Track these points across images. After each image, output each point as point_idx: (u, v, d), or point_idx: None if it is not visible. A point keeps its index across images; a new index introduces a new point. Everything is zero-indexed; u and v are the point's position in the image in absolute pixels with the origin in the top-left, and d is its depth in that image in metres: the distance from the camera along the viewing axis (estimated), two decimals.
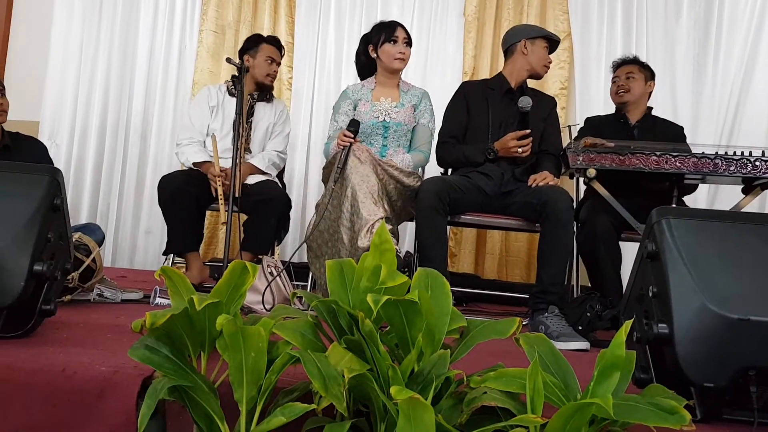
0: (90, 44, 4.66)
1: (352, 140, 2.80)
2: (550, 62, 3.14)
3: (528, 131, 2.91)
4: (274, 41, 3.53)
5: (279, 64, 3.52)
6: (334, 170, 2.77)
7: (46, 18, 4.69)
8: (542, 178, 2.86)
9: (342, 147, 2.79)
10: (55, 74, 4.65)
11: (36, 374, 1.40)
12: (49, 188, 1.68)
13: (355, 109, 3.16)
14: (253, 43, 3.49)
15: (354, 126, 2.88)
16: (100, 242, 3.17)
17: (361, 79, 3.27)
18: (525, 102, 2.89)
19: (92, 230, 3.20)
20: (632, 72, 3.36)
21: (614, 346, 1.14)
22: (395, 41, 3.09)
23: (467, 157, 3.03)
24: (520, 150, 2.91)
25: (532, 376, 1.12)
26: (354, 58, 3.30)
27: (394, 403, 1.10)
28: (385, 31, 3.10)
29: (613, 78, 3.45)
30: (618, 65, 3.46)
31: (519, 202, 2.88)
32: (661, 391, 1.20)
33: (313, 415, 1.24)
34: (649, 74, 3.40)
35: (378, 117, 3.09)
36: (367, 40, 3.19)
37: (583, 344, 2.37)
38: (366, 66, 3.24)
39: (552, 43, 3.15)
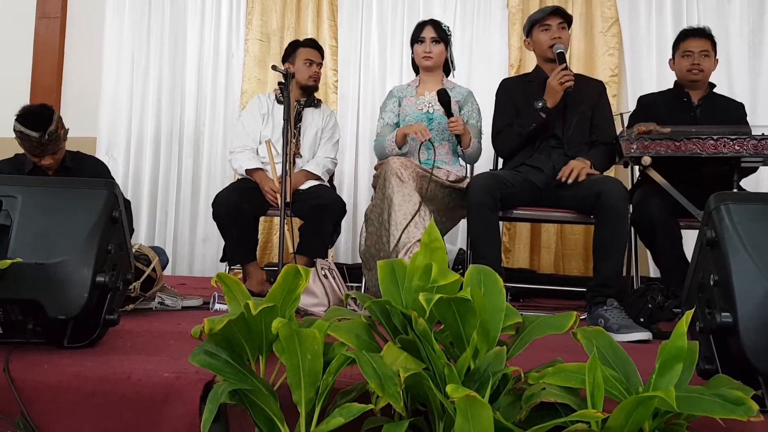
0: (141, 59, 4.78)
1: (429, 136, 2.95)
2: (554, 38, 2.99)
3: (566, 64, 2.89)
4: (310, 43, 3.58)
5: (320, 64, 3.56)
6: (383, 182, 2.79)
7: (97, 36, 4.82)
8: (569, 172, 2.79)
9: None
10: (109, 90, 4.78)
11: (103, 382, 1.45)
12: (107, 201, 1.74)
13: (400, 106, 3.23)
14: (291, 49, 3.55)
15: (444, 96, 2.96)
16: (164, 265, 3.25)
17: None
18: (557, 47, 2.94)
19: (158, 254, 3.29)
20: (707, 50, 3.15)
21: (675, 337, 1.11)
22: (422, 41, 3.17)
23: (521, 126, 2.96)
24: (564, 83, 2.84)
25: (592, 371, 1.10)
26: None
27: (451, 402, 1.10)
28: (415, 31, 3.22)
29: (684, 51, 3.16)
30: (689, 35, 3.20)
31: (571, 194, 2.82)
32: (726, 381, 1.17)
33: (371, 415, 1.25)
34: (715, 50, 3.21)
35: (422, 109, 3.15)
36: (411, 41, 3.30)
37: (645, 335, 2.32)
38: (413, 63, 3.32)
39: (555, 15, 3.02)
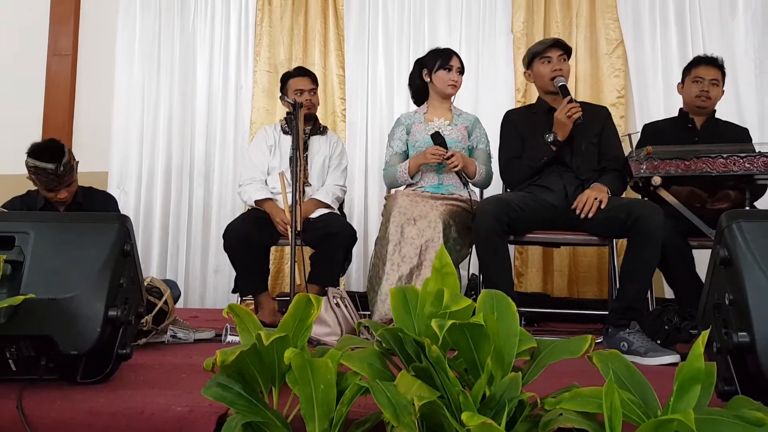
0: (151, 92, 4.84)
1: (444, 153, 2.97)
2: (555, 69, 3.01)
3: (570, 96, 2.91)
4: (299, 72, 3.62)
5: (312, 90, 3.57)
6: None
7: (108, 71, 4.88)
8: (583, 202, 2.78)
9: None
10: (120, 124, 4.83)
11: (116, 418, 1.44)
12: (119, 235, 1.75)
13: (408, 134, 3.23)
14: (283, 82, 3.60)
15: (438, 139, 3.00)
16: (177, 298, 3.25)
17: (415, 101, 3.35)
18: (558, 80, 2.97)
19: (170, 287, 3.29)
20: (717, 79, 3.22)
21: (692, 358, 1.10)
22: (450, 69, 3.16)
23: (532, 159, 2.97)
24: (572, 116, 2.85)
25: (609, 395, 1.08)
26: (408, 82, 3.37)
27: (467, 430, 1.08)
28: (441, 58, 3.18)
29: (695, 77, 3.23)
30: (702, 62, 3.26)
31: (603, 216, 2.77)
32: (746, 402, 1.14)
33: None
34: (724, 81, 3.28)
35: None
36: (421, 65, 3.26)
37: (674, 357, 2.31)
38: (420, 89, 3.29)
39: (556, 47, 3.04)
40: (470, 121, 3.26)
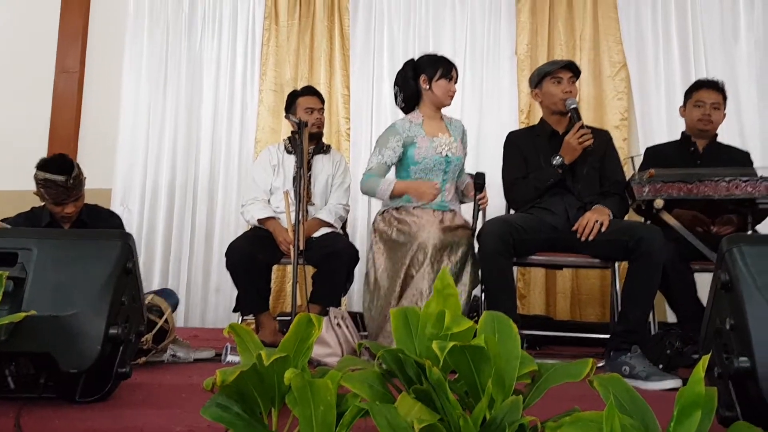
0: (157, 110, 4.87)
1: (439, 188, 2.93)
2: (566, 91, 3.01)
3: (581, 122, 2.91)
4: (308, 91, 3.62)
5: (321, 110, 3.58)
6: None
7: (115, 89, 4.91)
8: (584, 225, 2.78)
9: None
10: (125, 141, 4.85)
11: None
12: (122, 253, 1.75)
13: (404, 146, 3.03)
14: (291, 100, 3.59)
15: (480, 179, 2.98)
16: (175, 306, 3.26)
17: (405, 107, 3.16)
18: (571, 102, 2.96)
19: (167, 295, 3.29)
20: (719, 102, 3.24)
21: (693, 383, 1.09)
22: (451, 79, 3.06)
23: (539, 180, 2.96)
24: (583, 142, 2.87)
25: (609, 419, 1.07)
26: (397, 83, 3.16)
27: None
28: (443, 67, 3.05)
29: (697, 101, 3.25)
30: (703, 86, 3.28)
31: (605, 238, 2.76)
32: (747, 428, 1.14)
33: None
34: (725, 104, 3.29)
35: (441, 153, 3.02)
36: (418, 69, 3.10)
37: (676, 382, 2.30)
38: (414, 95, 3.11)
39: (567, 69, 3.04)
40: (460, 131, 3.19)
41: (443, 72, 3.05)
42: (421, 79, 3.07)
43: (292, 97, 3.60)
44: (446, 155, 3.03)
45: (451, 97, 3.11)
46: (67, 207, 3.05)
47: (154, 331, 2.47)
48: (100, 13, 5.16)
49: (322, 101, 3.64)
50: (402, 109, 3.19)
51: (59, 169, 3.01)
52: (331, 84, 4.69)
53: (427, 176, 3.03)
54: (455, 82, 3.11)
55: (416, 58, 3.17)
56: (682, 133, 3.36)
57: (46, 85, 5.05)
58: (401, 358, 1.31)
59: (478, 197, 2.95)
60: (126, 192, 4.81)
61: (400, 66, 4.37)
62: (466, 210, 3.19)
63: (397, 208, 3.00)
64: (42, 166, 3.03)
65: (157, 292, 3.18)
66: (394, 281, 2.78)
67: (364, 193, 3.16)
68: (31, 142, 4.86)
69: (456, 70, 3.13)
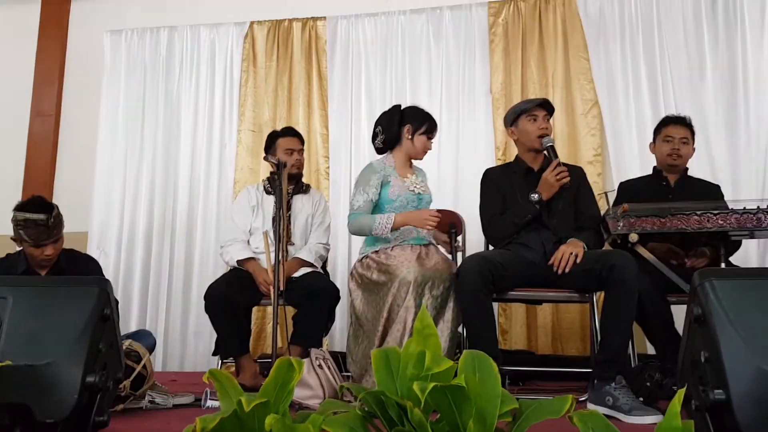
0: (134, 152, 4.87)
1: (439, 217, 2.95)
2: (542, 128, 3.07)
3: (558, 160, 2.98)
4: (288, 132, 3.64)
5: (301, 150, 3.60)
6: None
7: (91, 131, 4.91)
8: (559, 258, 2.81)
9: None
10: (102, 184, 4.84)
11: None
12: (99, 300, 1.74)
13: (382, 185, 3.08)
14: (270, 140, 3.61)
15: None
16: (152, 348, 3.22)
17: (381, 148, 3.21)
18: (547, 140, 3.02)
19: (143, 336, 3.25)
20: (687, 137, 3.32)
21: (669, 416, 1.11)
22: (431, 138, 3.16)
23: (516, 216, 2.99)
24: (561, 179, 2.93)
25: None
26: (380, 123, 3.21)
27: None
28: (429, 123, 3.14)
29: (665, 137, 3.33)
30: (671, 122, 3.37)
31: (580, 268, 2.80)
32: None
33: None
34: (693, 138, 3.37)
35: (414, 190, 3.11)
36: (404, 118, 3.16)
37: (657, 418, 2.30)
38: (395, 139, 3.16)
39: (542, 107, 3.10)
40: (423, 175, 3.28)
41: (428, 128, 3.14)
42: (406, 128, 3.14)
43: (272, 138, 3.61)
44: (418, 192, 3.13)
45: (425, 153, 3.19)
46: (47, 249, 3.00)
47: (131, 378, 2.44)
48: (76, 55, 5.19)
49: (302, 142, 3.66)
50: (378, 149, 3.23)
51: (39, 208, 2.98)
52: (309, 124, 4.73)
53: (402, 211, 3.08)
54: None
55: (404, 106, 3.25)
56: (654, 167, 3.43)
57: (21, 129, 5.04)
58: (383, 399, 1.31)
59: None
60: (102, 235, 4.79)
61: (378, 105, 4.44)
62: None
63: (376, 251, 3.02)
64: (20, 207, 3.00)
65: (131, 335, 3.15)
66: (377, 321, 2.78)
67: (354, 232, 3.15)
68: (5, 186, 4.84)
69: (437, 130, 3.21)
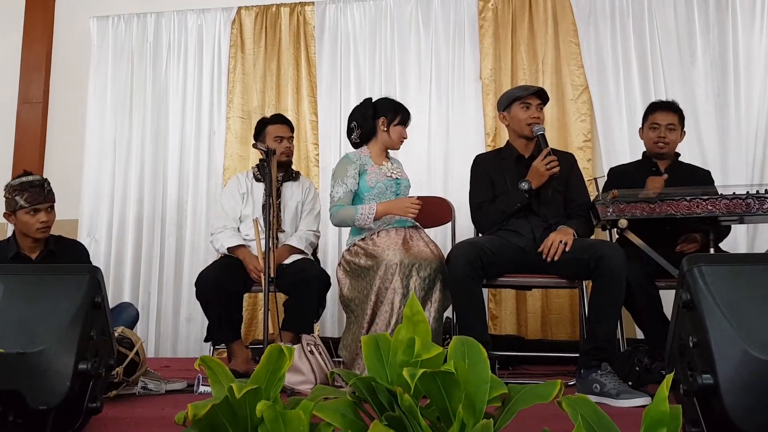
0: (123, 140, 4.85)
1: (420, 204, 2.97)
2: (534, 117, 3.08)
3: (549, 149, 2.98)
4: (278, 119, 3.62)
5: (290, 138, 3.60)
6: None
7: (80, 119, 4.89)
8: (548, 246, 2.83)
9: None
10: (91, 172, 4.82)
11: None
12: (90, 287, 1.74)
13: (359, 174, 3.13)
14: (260, 127, 3.59)
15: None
16: (135, 319, 3.31)
17: (357, 141, 3.24)
18: (538, 129, 3.03)
19: (124, 308, 3.30)
20: (673, 123, 3.30)
21: (658, 401, 1.12)
22: (405, 125, 3.22)
23: (505, 204, 3.01)
24: (550, 168, 2.93)
25: None
26: (353, 118, 3.25)
27: None
28: (402, 114, 3.21)
29: (652, 123, 3.32)
30: (657, 108, 3.35)
31: (568, 257, 2.81)
32: None
33: None
34: (682, 123, 3.36)
35: (391, 176, 3.15)
36: (378, 110, 3.20)
37: (646, 399, 2.34)
38: (370, 132, 3.20)
39: (536, 96, 3.11)
40: (398, 162, 3.33)
41: (402, 118, 3.21)
42: (380, 121, 3.19)
43: (261, 125, 3.60)
44: (396, 178, 3.17)
45: (401, 143, 3.24)
46: (41, 215, 3.03)
47: (124, 364, 2.44)
48: (63, 43, 5.14)
49: (292, 129, 3.65)
50: (354, 144, 3.28)
51: (32, 175, 3.11)
52: (298, 110, 4.71)
53: (381, 198, 3.11)
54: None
55: (374, 99, 3.28)
56: (643, 153, 3.44)
57: (8, 117, 5.00)
58: (373, 385, 1.32)
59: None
60: (93, 223, 4.77)
61: (367, 92, 4.43)
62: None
63: (362, 239, 3.05)
64: (14, 179, 3.12)
65: (115, 307, 3.21)
66: (365, 305, 2.79)
67: (337, 224, 3.20)
68: None
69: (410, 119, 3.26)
